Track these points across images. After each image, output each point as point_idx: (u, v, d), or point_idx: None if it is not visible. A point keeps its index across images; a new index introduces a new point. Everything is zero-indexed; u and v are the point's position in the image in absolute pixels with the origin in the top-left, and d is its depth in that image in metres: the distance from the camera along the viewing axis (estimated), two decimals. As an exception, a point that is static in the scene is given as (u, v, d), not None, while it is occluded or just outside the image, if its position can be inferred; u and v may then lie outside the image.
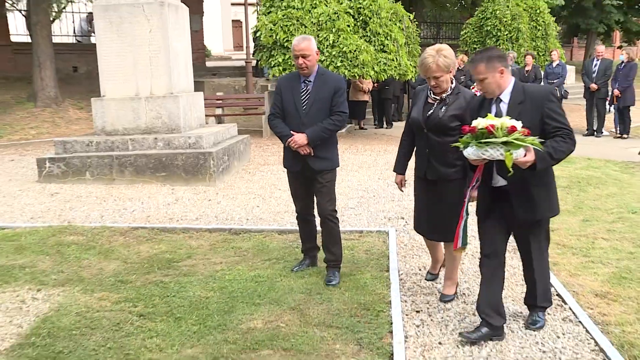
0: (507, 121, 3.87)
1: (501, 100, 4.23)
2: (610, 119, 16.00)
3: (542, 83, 16.28)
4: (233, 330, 4.57)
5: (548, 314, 4.84)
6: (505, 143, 3.81)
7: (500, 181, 4.31)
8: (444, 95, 4.90)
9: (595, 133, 15.68)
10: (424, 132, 4.98)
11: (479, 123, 3.91)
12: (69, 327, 4.70)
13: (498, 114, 4.14)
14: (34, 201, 9.05)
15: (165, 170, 10.00)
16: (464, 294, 5.28)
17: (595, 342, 4.35)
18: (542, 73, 16.72)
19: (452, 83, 4.93)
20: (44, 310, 5.07)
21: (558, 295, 5.21)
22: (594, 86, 15.39)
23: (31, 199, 9.17)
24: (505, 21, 19.96)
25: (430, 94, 5.00)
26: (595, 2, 28.66)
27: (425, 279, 5.61)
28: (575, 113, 18.85)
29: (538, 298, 4.59)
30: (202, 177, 9.91)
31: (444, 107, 4.90)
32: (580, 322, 4.69)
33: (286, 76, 5.82)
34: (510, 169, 3.87)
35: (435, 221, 5.08)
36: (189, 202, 8.81)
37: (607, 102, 15.54)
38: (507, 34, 19.95)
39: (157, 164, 10.02)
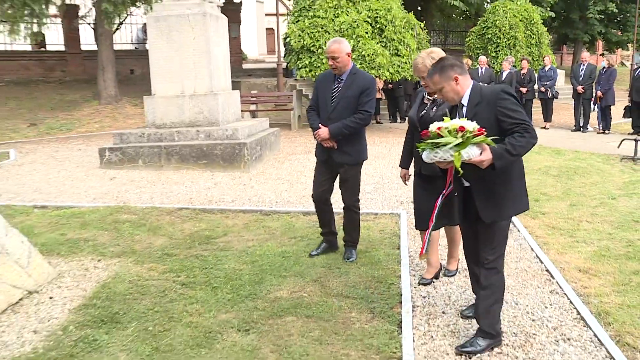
0: (456, 122, 3.48)
1: (463, 105, 3.75)
2: (594, 116, 15.87)
3: (535, 85, 16.14)
4: (262, 299, 4.54)
5: (538, 287, 4.76)
6: (457, 144, 3.43)
7: (466, 182, 3.82)
8: (436, 95, 4.54)
9: (581, 129, 15.54)
10: (418, 130, 4.62)
11: (432, 127, 3.53)
12: (123, 292, 4.71)
13: (461, 117, 3.70)
14: (96, 184, 9.10)
15: (206, 159, 9.98)
16: (465, 268, 5.19)
17: (577, 311, 4.29)
18: (536, 76, 16.54)
19: None
20: (103, 277, 5.09)
21: (547, 270, 5.13)
22: (580, 89, 15.32)
23: (94, 183, 9.22)
24: (504, 30, 19.75)
25: (425, 94, 4.74)
26: (581, 15, 29.19)
27: (419, 283, 4.91)
28: (564, 111, 18.64)
29: (480, 314, 3.80)
30: (237, 164, 9.88)
31: (434, 107, 4.60)
32: (565, 294, 4.61)
33: (324, 74, 5.60)
34: (460, 169, 3.50)
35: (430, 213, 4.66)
36: (226, 186, 8.79)
37: (591, 102, 15.44)
38: (505, 41, 19.76)
39: (199, 153, 10.01)
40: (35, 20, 17.44)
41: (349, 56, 5.26)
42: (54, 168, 10.60)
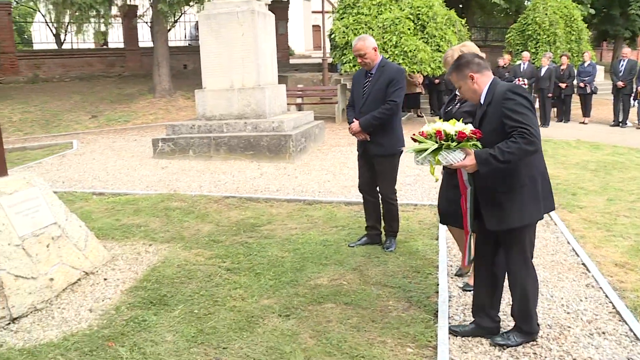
0: (436, 126, 3.28)
1: (481, 104, 3.45)
2: (634, 112, 15.31)
3: (575, 81, 15.67)
4: (303, 285, 4.51)
5: (573, 280, 4.59)
6: (433, 151, 3.25)
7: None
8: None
9: (620, 124, 15.00)
10: None
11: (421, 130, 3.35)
12: (172, 276, 4.75)
13: (479, 117, 3.47)
14: (149, 173, 9.22)
15: (253, 150, 10.00)
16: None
17: (613, 305, 4.11)
18: (575, 71, 16.06)
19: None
20: (153, 261, 5.14)
21: (583, 264, 4.94)
22: (620, 84, 14.82)
23: (147, 171, 9.35)
24: (544, 27, 19.19)
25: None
26: (622, 12, 28.14)
27: (455, 274, 4.75)
28: (603, 107, 18.01)
29: (515, 315, 3.62)
30: (282, 155, 9.87)
31: (458, 104, 4.36)
32: (600, 288, 4.43)
33: (358, 71, 5.55)
34: (433, 174, 3.39)
35: (453, 206, 4.32)
36: (271, 176, 8.79)
37: (631, 98, 14.93)
38: (545, 38, 19.20)
39: (246, 144, 10.04)
40: (101, 21, 17.92)
41: (375, 50, 5.20)
42: (111, 157, 10.80)
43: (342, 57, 14.81)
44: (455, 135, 3.22)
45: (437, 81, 16.99)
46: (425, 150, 3.27)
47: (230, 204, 7.07)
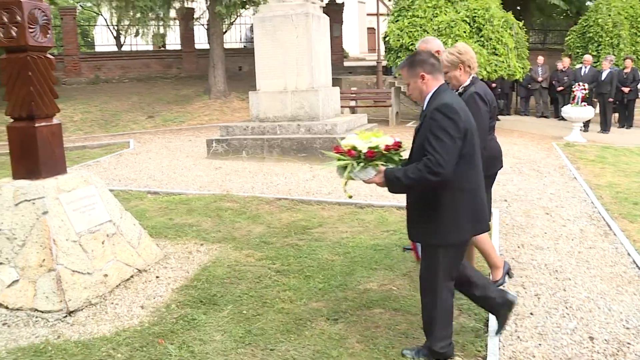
0: (349, 141, 3.27)
1: (422, 109, 3.30)
2: None
3: (639, 85, 15.08)
4: (352, 289, 4.49)
5: (634, 294, 4.40)
6: (343, 167, 3.27)
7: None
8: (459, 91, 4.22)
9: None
10: None
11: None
12: (222, 276, 4.81)
13: (419, 123, 3.33)
14: (202, 173, 9.37)
15: (306, 152, 10.04)
16: (556, 270, 4.91)
17: (680, 323, 3.91)
18: (640, 75, 15.45)
19: (467, 80, 4.20)
20: (204, 260, 5.22)
21: (645, 276, 4.75)
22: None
23: (200, 172, 9.50)
24: (607, 28, 18.49)
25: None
26: None
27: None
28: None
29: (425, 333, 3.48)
30: (335, 158, 9.84)
31: None
32: (665, 303, 4.23)
33: None
34: (345, 191, 3.43)
35: None
36: (323, 179, 8.79)
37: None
38: (608, 40, 18.50)
39: (299, 146, 10.09)
40: (160, 23, 18.43)
41: (438, 54, 5.09)
42: (167, 157, 11.03)
43: (397, 60, 14.74)
44: (365, 154, 3.23)
45: (494, 85, 16.67)
46: (340, 166, 3.32)
47: (282, 206, 7.11)
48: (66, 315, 4.09)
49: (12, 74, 4.41)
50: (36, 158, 4.50)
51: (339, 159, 3.33)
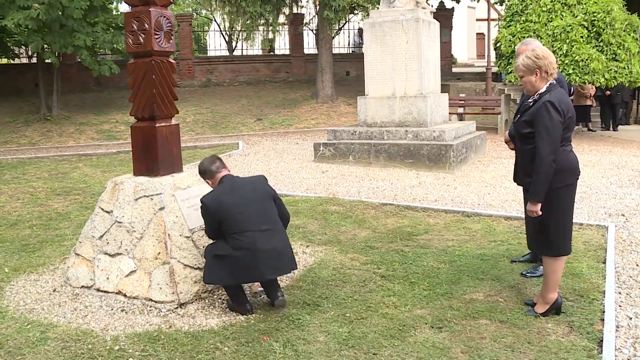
0: None
1: None
2: None
3: None
4: (457, 299, 4.43)
5: None
6: None
7: None
8: (534, 98, 4.03)
9: None
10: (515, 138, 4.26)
11: None
12: (327, 278, 4.90)
13: None
14: (309, 176, 9.57)
15: (412, 158, 9.99)
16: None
17: None
18: None
19: (544, 87, 4.00)
20: (310, 262, 5.34)
21: None
22: None
23: (307, 174, 9.71)
24: None
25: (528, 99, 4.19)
26: None
27: None
28: None
29: None
30: (442, 165, 9.75)
31: (519, 114, 4.13)
32: None
33: None
34: None
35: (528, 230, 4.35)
36: (430, 185, 8.72)
37: None
38: None
39: (406, 152, 10.05)
40: (269, 28, 19.09)
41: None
42: (274, 159, 11.37)
43: (508, 67, 14.28)
44: None
45: (608, 92, 15.77)
46: None
47: (388, 211, 7.12)
48: (177, 307, 4.34)
49: (137, 77, 4.73)
50: (155, 156, 4.80)
51: None
